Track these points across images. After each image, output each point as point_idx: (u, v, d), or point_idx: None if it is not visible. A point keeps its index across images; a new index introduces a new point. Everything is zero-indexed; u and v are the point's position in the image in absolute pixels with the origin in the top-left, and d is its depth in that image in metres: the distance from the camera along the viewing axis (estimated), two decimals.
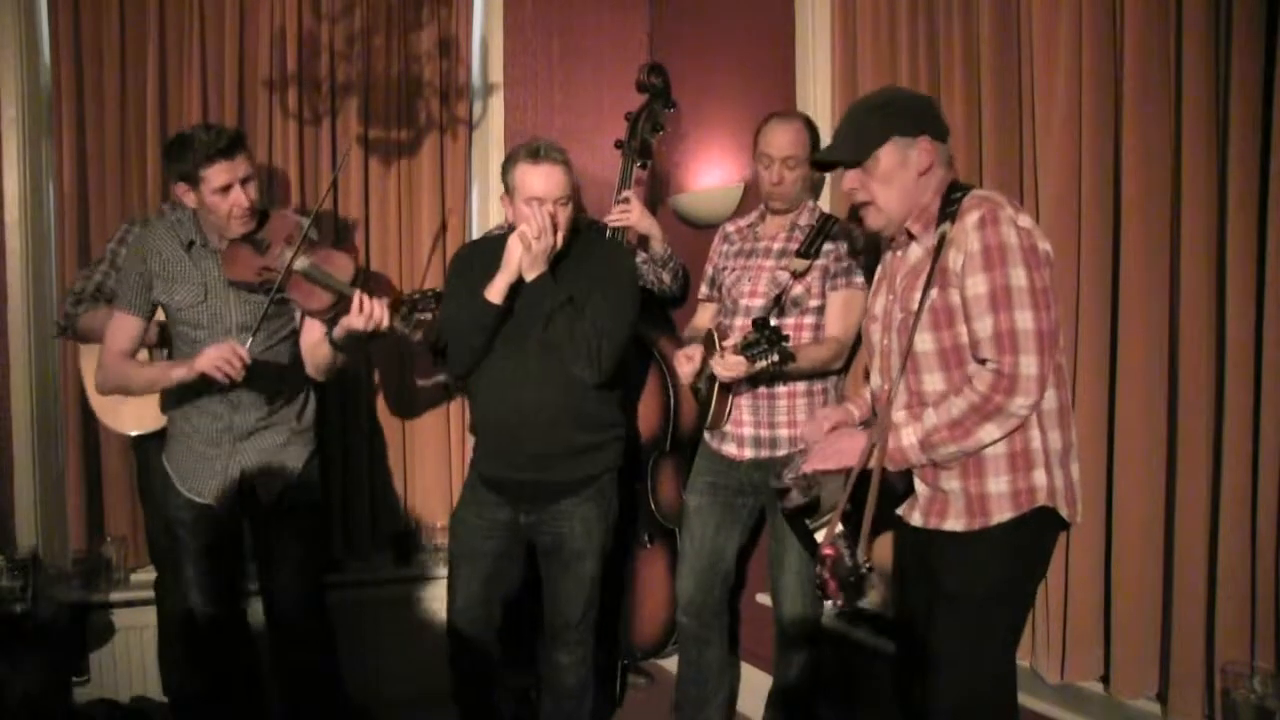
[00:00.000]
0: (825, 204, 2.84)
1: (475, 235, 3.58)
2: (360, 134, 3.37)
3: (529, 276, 2.35)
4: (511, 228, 2.42)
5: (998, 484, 1.83)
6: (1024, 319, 1.75)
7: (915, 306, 1.86)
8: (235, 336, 2.38)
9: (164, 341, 2.67)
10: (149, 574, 3.03)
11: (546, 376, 2.39)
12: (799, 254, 2.53)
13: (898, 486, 1.92)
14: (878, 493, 1.83)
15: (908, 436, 1.85)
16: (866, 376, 2.13)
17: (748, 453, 2.58)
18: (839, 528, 1.84)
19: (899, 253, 2.00)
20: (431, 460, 3.53)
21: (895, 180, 1.90)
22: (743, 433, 2.58)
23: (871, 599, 2.74)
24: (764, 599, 2.88)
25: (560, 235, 2.36)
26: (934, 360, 1.87)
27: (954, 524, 1.87)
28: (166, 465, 2.53)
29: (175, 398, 2.50)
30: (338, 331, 2.39)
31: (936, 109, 1.97)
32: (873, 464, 1.86)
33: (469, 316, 2.39)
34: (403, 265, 3.48)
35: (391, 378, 3.46)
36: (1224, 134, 1.88)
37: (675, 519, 3.11)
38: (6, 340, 3.02)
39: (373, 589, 3.33)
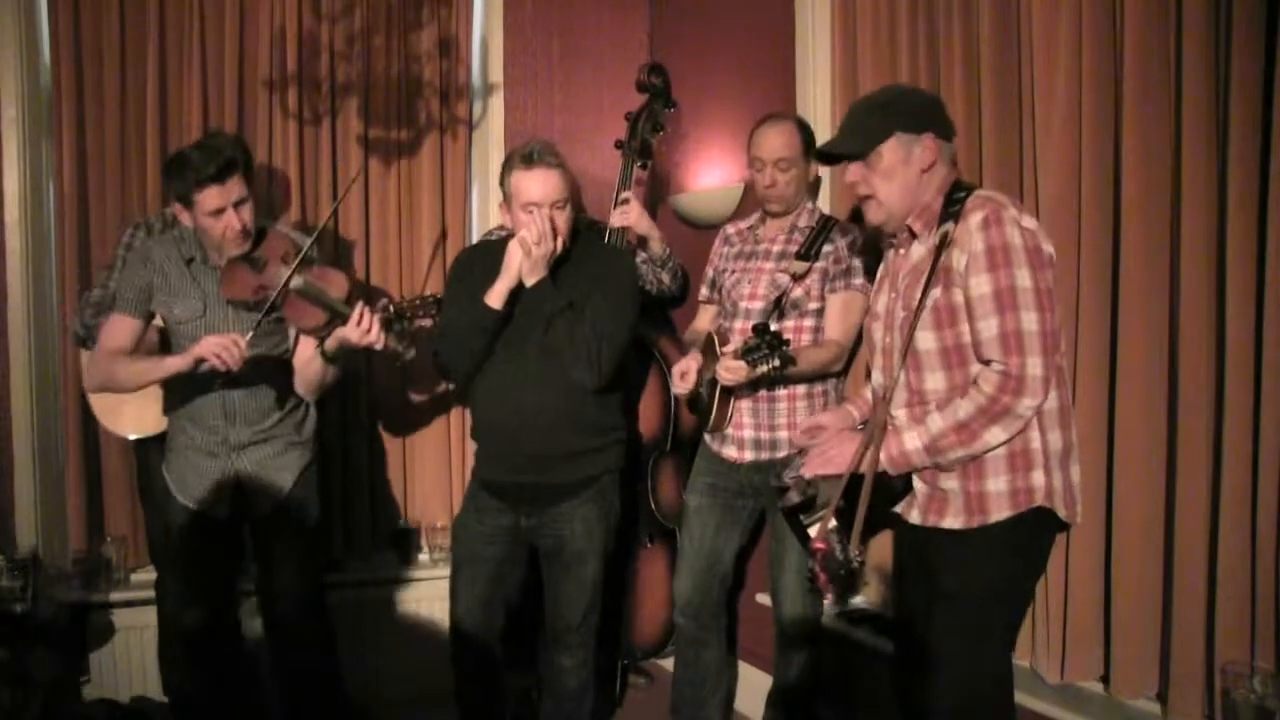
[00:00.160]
0: (825, 205, 2.84)
1: (475, 235, 3.58)
2: (360, 134, 3.37)
3: (529, 282, 2.35)
4: (512, 231, 2.42)
5: (996, 483, 1.83)
6: (1029, 320, 1.75)
7: (916, 305, 1.86)
8: None
9: (165, 345, 2.67)
10: (149, 574, 3.03)
11: (546, 380, 2.38)
12: (798, 256, 2.52)
13: (896, 485, 1.92)
14: (871, 490, 1.84)
15: (911, 441, 1.84)
16: (868, 376, 2.13)
17: (748, 455, 2.57)
18: (832, 523, 1.85)
19: (901, 251, 2.00)
20: (432, 460, 3.53)
21: (897, 175, 1.90)
22: (743, 435, 2.58)
23: (870, 598, 2.74)
24: (764, 599, 2.88)
25: (560, 240, 2.36)
26: (935, 359, 1.87)
27: (952, 522, 1.87)
28: (166, 474, 2.54)
29: (175, 405, 2.51)
30: (330, 342, 2.39)
31: (943, 108, 1.98)
32: (866, 463, 1.87)
33: (469, 321, 2.39)
34: (402, 266, 3.48)
35: (393, 376, 3.45)
36: (1224, 134, 1.88)
37: (675, 519, 3.11)
38: (6, 340, 3.02)
39: (373, 589, 3.33)
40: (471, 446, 2.58)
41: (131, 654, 3.08)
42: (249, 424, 2.50)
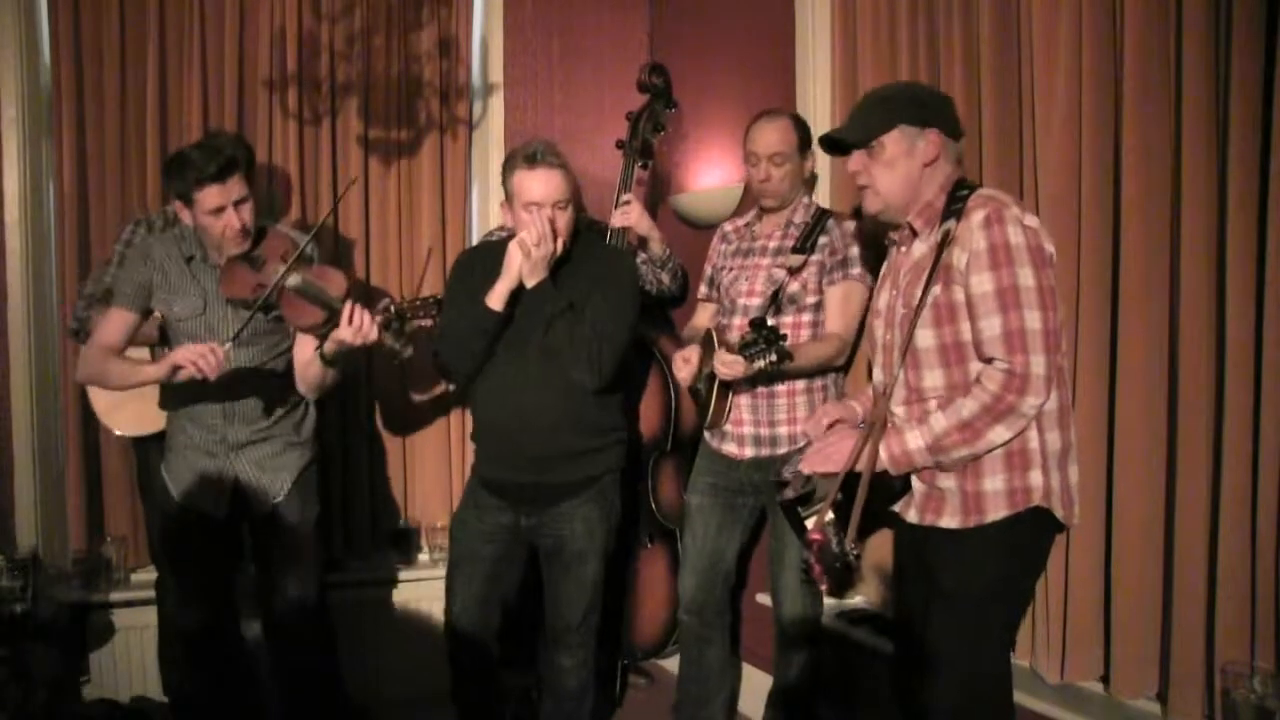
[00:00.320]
0: (825, 200, 2.83)
1: (475, 236, 3.58)
2: (360, 134, 3.37)
3: (529, 284, 2.34)
4: (512, 231, 2.42)
5: (993, 482, 1.83)
6: (1032, 319, 1.75)
7: (916, 302, 1.86)
8: (232, 350, 2.39)
9: (165, 340, 2.67)
10: (149, 574, 3.04)
11: (547, 381, 2.38)
12: (794, 250, 2.53)
13: (895, 483, 1.92)
14: (868, 483, 1.84)
15: (914, 440, 1.84)
16: (870, 373, 2.13)
17: (748, 452, 2.58)
18: (829, 516, 1.86)
19: (903, 249, 2.00)
20: (432, 460, 3.53)
21: (899, 167, 1.90)
22: (743, 432, 2.58)
23: (870, 598, 2.74)
24: (764, 599, 2.88)
25: (561, 240, 2.35)
26: (934, 356, 1.87)
27: (949, 521, 1.87)
28: (165, 474, 2.54)
29: (174, 403, 2.51)
30: (328, 346, 2.38)
31: (952, 107, 1.98)
32: (864, 459, 1.87)
33: (470, 323, 2.39)
34: (402, 266, 3.48)
35: (393, 376, 3.46)
36: (1224, 134, 1.88)
37: (676, 519, 3.11)
38: (6, 340, 3.02)
39: (373, 589, 3.33)
40: (471, 446, 2.58)
41: (131, 654, 3.07)
42: (248, 423, 2.50)
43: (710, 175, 3.37)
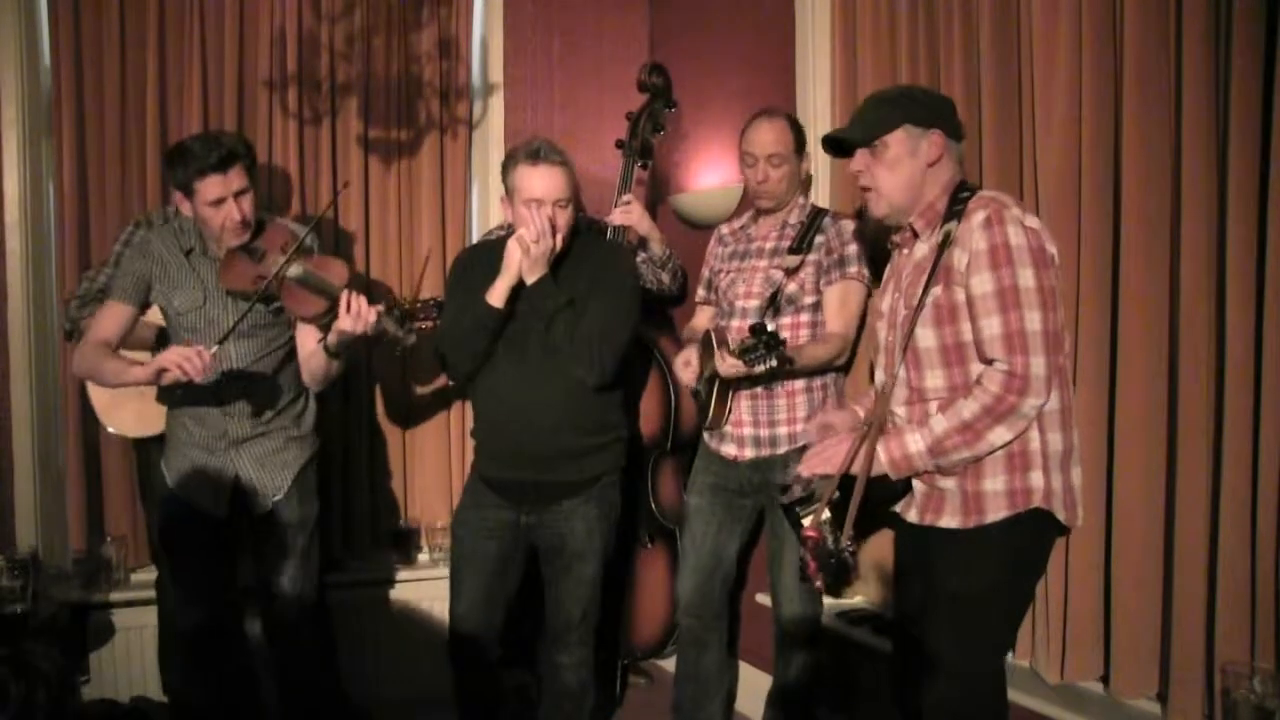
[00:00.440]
0: (825, 202, 2.83)
1: (475, 235, 3.58)
2: (360, 134, 3.37)
3: (529, 280, 2.35)
4: (512, 228, 2.42)
5: (994, 483, 1.83)
6: (1033, 319, 1.75)
7: (917, 302, 1.86)
8: (232, 343, 2.40)
9: (163, 343, 2.67)
10: (149, 574, 3.04)
11: (548, 379, 2.38)
12: (790, 250, 2.53)
13: (895, 483, 1.92)
14: (865, 482, 1.84)
15: (914, 443, 1.84)
16: (872, 374, 2.14)
17: (748, 452, 2.57)
18: (825, 514, 1.86)
19: (905, 251, 2.01)
20: (431, 459, 3.53)
21: (902, 168, 1.90)
22: (742, 433, 2.58)
23: (870, 598, 2.74)
24: (763, 599, 2.88)
25: (560, 237, 2.35)
26: (934, 356, 1.87)
27: (949, 521, 1.87)
28: (164, 470, 2.54)
29: (174, 399, 2.51)
30: (331, 338, 2.38)
31: (955, 110, 1.99)
32: (861, 459, 1.87)
33: (470, 320, 2.39)
34: (402, 266, 3.48)
35: (392, 376, 3.46)
36: (1224, 134, 1.88)
37: (675, 519, 3.11)
38: (6, 340, 3.02)
39: (373, 589, 3.33)
40: (472, 446, 2.58)
41: (131, 654, 3.07)
42: (248, 417, 2.49)
43: (710, 175, 3.37)
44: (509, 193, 2.39)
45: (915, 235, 1.97)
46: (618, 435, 2.53)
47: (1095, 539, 2.13)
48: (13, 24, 2.97)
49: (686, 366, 2.56)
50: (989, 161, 2.35)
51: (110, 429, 2.90)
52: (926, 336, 1.87)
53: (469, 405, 2.75)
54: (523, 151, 2.36)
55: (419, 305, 2.45)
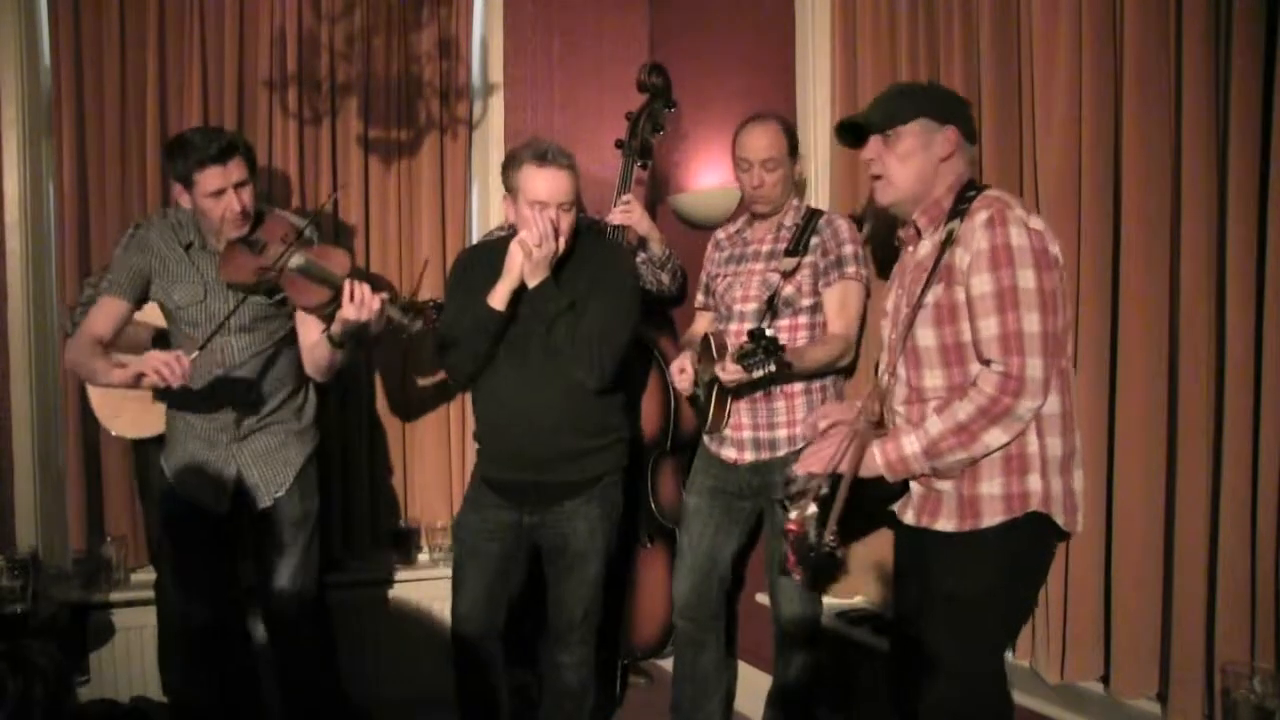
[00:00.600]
0: (825, 204, 2.83)
1: (475, 236, 3.58)
2: (360, 134, 3.37)
3: (531, 283, 2.34)
4: (513, 228, 2.42)
5: (990, 486, 1.82)
6: (1031, 321, 1.74)
7: (916, 301, 1.86)
8: (231, 336, 2.39)
9: (163, 344, 2.67)
10: (149, 574, 3.04)
11: (549, 381, 2.38)
12: (786, 253, 2.53)
13: (894, 483, 1.92)
14: (850, 479, 1.84)
15: (910, 445, 1.84)
16: (876, 373, 2.13)
17: (747, 456, 2.57)
18: (811, 509, 1.86)
19: (910, 249, 2.00)
20: (432, 459, 3.53)
21: (914, 159, 1.90)
22: (742, 436, 2.57)
23: (869, 598, 2.74)
24: (763, 599, 2.88)
25: (562, 240, 2.35)
26: (934, 356, 1.87)
27: (945, 524, 1.87)
28: (164, 466, 2.53)
29: (174, 395, 2.50)
30: (335, 327, 2.36)
31: (971, 111, 1.99)
32: (850, 456, 1.86)
33: (472, 322, 2.38)
34: (402, 266, 3.48)
35: (392, 375, 3.46)
36: (1224, 134, 1.88)
37: (675, 519, 3.11)
38: (6, 340, 3.02)
39: (373, 589, 3.33)
40: (472, 446, 2.58)
41: (131, 654, 3.07)
42: (248, 410, 2.48)
43: (710, 175, 3.37)
44: (512, 192, 2.38)
45: (919, 233, 1.97)
46: (619, 436, 2.53)
47: (1095, 539, 2.13)
48: (13, 24, 2.97)
49: (682, 374, 2.54)
50: (989, 161, 2.35)
51: (112, 432, 2.90)
52: (926, 336, 1.87)
53: (469, 405, 2.74)
54: (529, 152, 2.34)
55: (419, 305, 2.44)
